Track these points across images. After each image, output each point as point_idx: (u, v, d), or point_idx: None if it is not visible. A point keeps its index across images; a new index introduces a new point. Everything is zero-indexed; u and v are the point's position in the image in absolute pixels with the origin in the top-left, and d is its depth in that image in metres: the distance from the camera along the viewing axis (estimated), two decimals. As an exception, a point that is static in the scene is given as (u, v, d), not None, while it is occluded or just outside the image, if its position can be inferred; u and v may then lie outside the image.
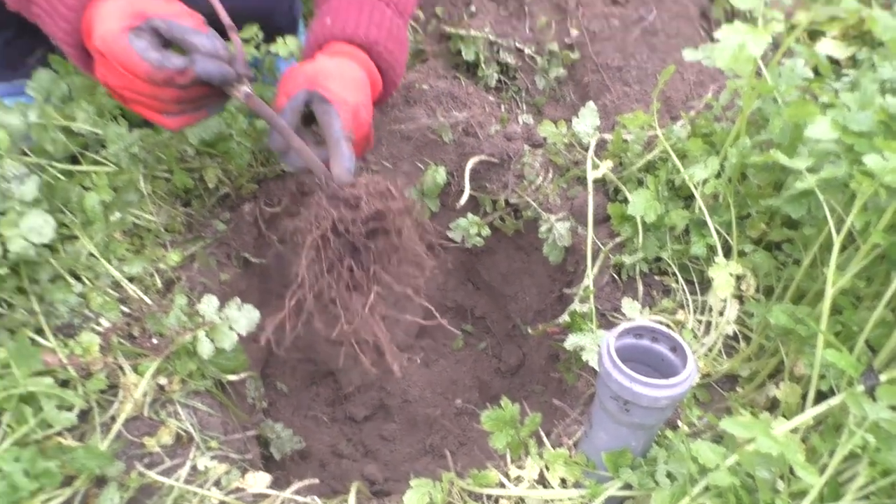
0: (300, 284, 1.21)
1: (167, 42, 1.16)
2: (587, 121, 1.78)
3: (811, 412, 1.09)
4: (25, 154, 1.50)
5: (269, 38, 1.59)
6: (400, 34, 1.46)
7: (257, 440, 1.57)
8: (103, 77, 1.17)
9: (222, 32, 1.21)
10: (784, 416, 1.22)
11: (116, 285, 1.46)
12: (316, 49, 1.40)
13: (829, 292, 1.12)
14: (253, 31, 1.48)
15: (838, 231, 1.14)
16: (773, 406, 1.30)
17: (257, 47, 1.60)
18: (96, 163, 1.54)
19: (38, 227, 1.35)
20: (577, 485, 1.22)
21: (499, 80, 2.20)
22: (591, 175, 1.67)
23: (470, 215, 1.86)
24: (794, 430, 1.12)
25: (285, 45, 1.57)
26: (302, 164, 1.26)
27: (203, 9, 1.22)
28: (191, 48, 1.12)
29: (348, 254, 1.19)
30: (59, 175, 1.49)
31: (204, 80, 1.13)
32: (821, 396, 1.13)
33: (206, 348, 1.35)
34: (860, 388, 1.02)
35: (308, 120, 1.34)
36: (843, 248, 1.25)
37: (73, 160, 1.53)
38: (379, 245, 1.21)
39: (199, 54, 1.12)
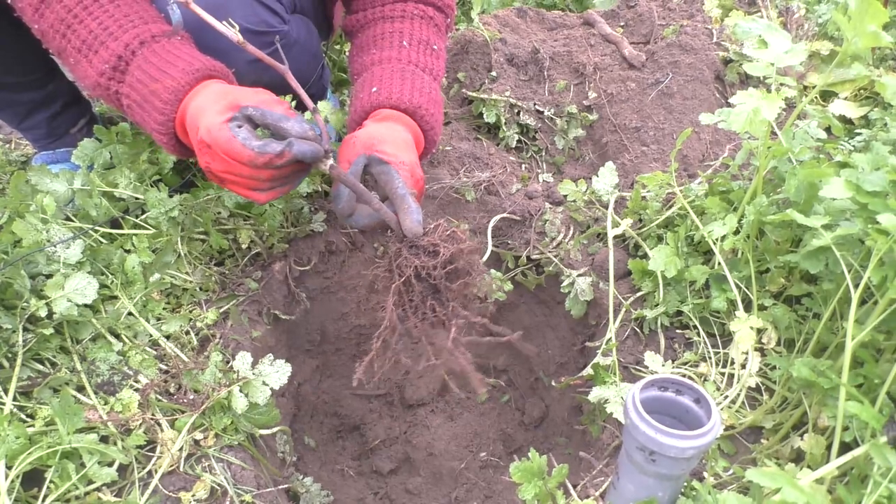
0: (387, 327, 1.29)
1: (255, 125, 1.26)
2: (606, 179, 1.83)
3: (836, 463, 1.10)
4: (70, 219, 1.57)
5: (301, 105, 1.67)
6: (437, 97, 1.57)
7: (287, 494, 1.59)
8: (206, 164, 1.24)
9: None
10: (809, 467, 1.24)
11: (154, 343, 1.51)
12: (364, 116, 1.50)
13: (850, 345, 1.15)
14: (286, 100, 1.56)
15: (856, 286, 1.17)
16: (797, 458, 1.31)
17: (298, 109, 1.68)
18: (137, 226, 1.61)
19: (82, 288, 1.41)
20: (605, 538, 1.23)
21: (519, 141, 2.27)
22: (612, 232, 1.72)
23: (493, 271, 1.90)
24: (820, 481, 1.13)
25: (320, 112, 1.65)
26: (366, 223, 1.34)
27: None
28: (284, 133, 1.22)
29: (430, 295, 1.29)
30: (101, 239, 1.56)
31: (299, 159, 1.21)
32: (845, 448, 1.15)
33: (240, 403, 1.39)
34: (883, 439, 1.04)
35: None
36: (862, 302, 1.28)
37: (115, 224, 1.60)
38: (454, 283, 1.30)
39: (294, 138, 1.20)
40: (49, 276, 1.42)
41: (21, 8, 1.38)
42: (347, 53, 1.78)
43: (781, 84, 1.42)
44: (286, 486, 1.56)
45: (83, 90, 1.40)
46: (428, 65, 1.60)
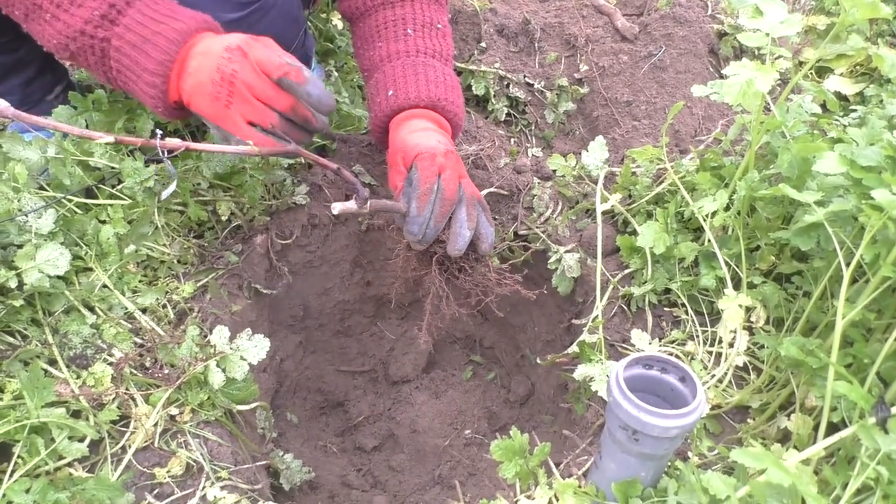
0: (434, 294, 1.48)
1: None
2: (596, 154, 1.79)
3: (823, 444, 1.08)
4: (43, 188, 1.53)
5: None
6: (452, 82, 1.58)
7: (267, 470, 1.57)
8: (232, 72, 1.27)
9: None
10: (796, 447, 1.21)
11: (129, 316, 1.47)
12: (385, 121, 1.54)
13: (840, 324, 1.12)
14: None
15: (848, 264, 1.14)
16: (784, 438, 1.29)
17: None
18: (112, 196, 1.56)
19: (54, 259, 1.37)
20: (587, 517, 1.21)
21: (508, 114, 2.22)
22: (601, 207, 1.69)
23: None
24: (806, 462, 1.11)
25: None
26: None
27: None
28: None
29: (470, 248, 1.44)
30: (75, 208, 1.52)
31: (314, 98, 1.30)
32: (833, 428, 1.12)
33: (217, 378, 1.36)
34: (872, 420, 1.02)
35: None
36: (854, 280, 1.25)
37: (90, 194, 1.56)
38: None
39: (314, 80, 1.32)
40: (20, 247, 1.38)
41: None
42: (351, 41, 1.75)
43: (778, 56, 1.38)
44: (265, 462, 1.53)
45: (52, 48, 1.37)
46: (437, 48, 1.60)
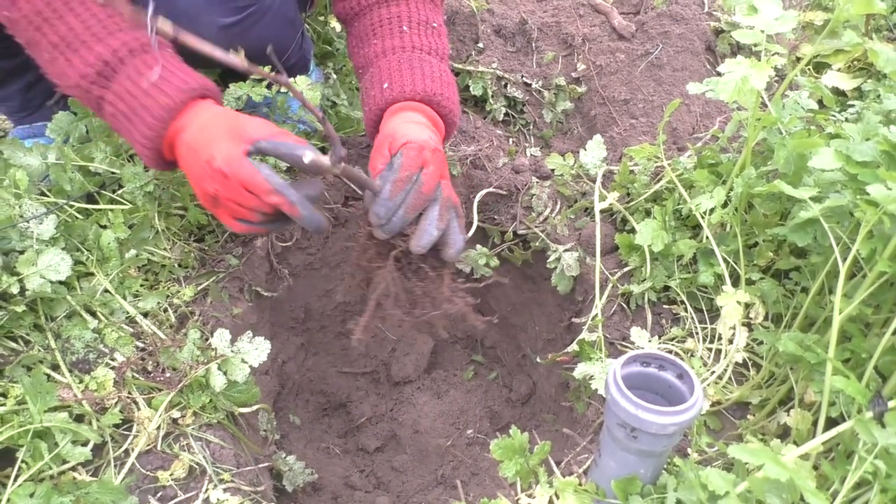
0: (382, 291, 1.39)
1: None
2: (594, 153, 1.80)
3: (821, 438, 1.08)
4: (44, 194, 1.54)
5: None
6: (448, 78, 1.56)
7: (270, 472, 1.57)
8: (214, 190, 1.25)
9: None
10: (795, 443, 1.22)
11: (131, 321, 1.48)
12: (379, 115, 1.51)
13: (837, 319, 1.12)
14: (266, 69, 1.52)
15: (844, 259, 1.14)
16: (784, 433, 1.29)
17: (269, 87, 1.64)
18: (113, 201, 1.57)
19: (56, 264, 1.38)
20: (588, 515, 1.21)
21: (506, 114, 2.23)
22: (599, 206, 1.69)
23: (479, 246, 1.87)
24: (805, 457, 1.11)
25: (296, 85, 1.61)
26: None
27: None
28: (297, 162, 1.22)
29: (430, 254, 1.38)
30: (76, 214, 1.53)
31: (304, 223, 1.26)
32: (831, 423, 1.13)
33: (218, 381, 1.37)
34: (869, 414, 1.02)
35: None
36: (851, 275, 1.25)
37: (90, 199, 1.57)
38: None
39: (304, 205, 1.25)
40: (21, 253, 1.39)
41: None
42: (346, 42, 1.74)
43: (774, 53, 1.39)
44: (268, 464, 1.54)
45: (56, 87, 1.35)
46: (433, 46, 1.58)
